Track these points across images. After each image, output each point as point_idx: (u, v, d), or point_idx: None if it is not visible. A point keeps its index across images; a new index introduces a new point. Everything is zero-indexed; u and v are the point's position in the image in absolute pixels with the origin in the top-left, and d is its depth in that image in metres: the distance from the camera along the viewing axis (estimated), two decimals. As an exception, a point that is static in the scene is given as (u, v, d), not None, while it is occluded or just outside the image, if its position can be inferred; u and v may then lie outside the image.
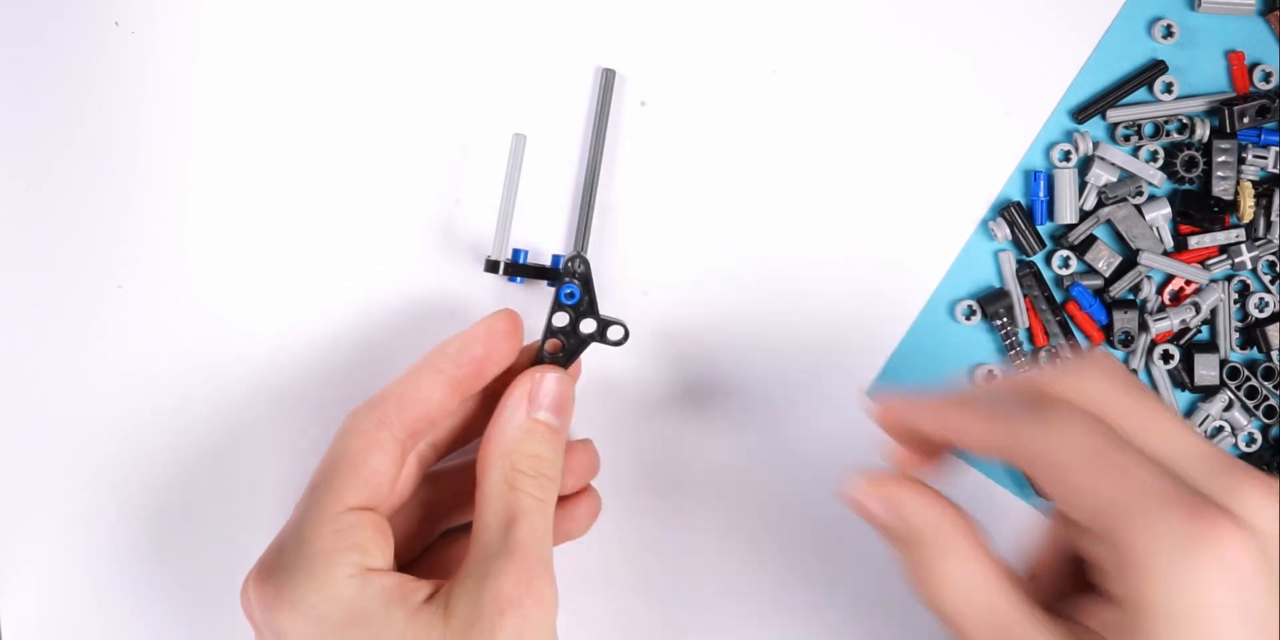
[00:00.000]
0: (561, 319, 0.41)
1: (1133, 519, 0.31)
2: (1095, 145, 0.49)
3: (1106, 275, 0.49)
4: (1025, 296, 0.49)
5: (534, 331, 0.46)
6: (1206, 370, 0.49)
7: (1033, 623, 0.33)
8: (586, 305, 0.41)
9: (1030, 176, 0.49)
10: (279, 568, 0.35)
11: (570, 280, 0.41)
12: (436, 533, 0.42)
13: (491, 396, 0.41)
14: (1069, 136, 0.49)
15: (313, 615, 0.34)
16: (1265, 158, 0.50)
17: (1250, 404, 0.50)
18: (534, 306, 0.46)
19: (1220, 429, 0.50)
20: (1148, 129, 0.49)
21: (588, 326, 0.41)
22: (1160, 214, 0.49)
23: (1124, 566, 0.31)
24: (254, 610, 0.36)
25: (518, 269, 0.44)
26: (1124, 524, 0.31)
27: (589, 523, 0.43)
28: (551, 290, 0.45)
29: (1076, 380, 0.34)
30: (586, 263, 0.41)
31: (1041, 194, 0.48)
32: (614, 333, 0.41)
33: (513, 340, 0.39)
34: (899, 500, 0.35)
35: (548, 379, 0.39)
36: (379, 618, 0.34)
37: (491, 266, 0.44)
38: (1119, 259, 0.49)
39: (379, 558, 0.36)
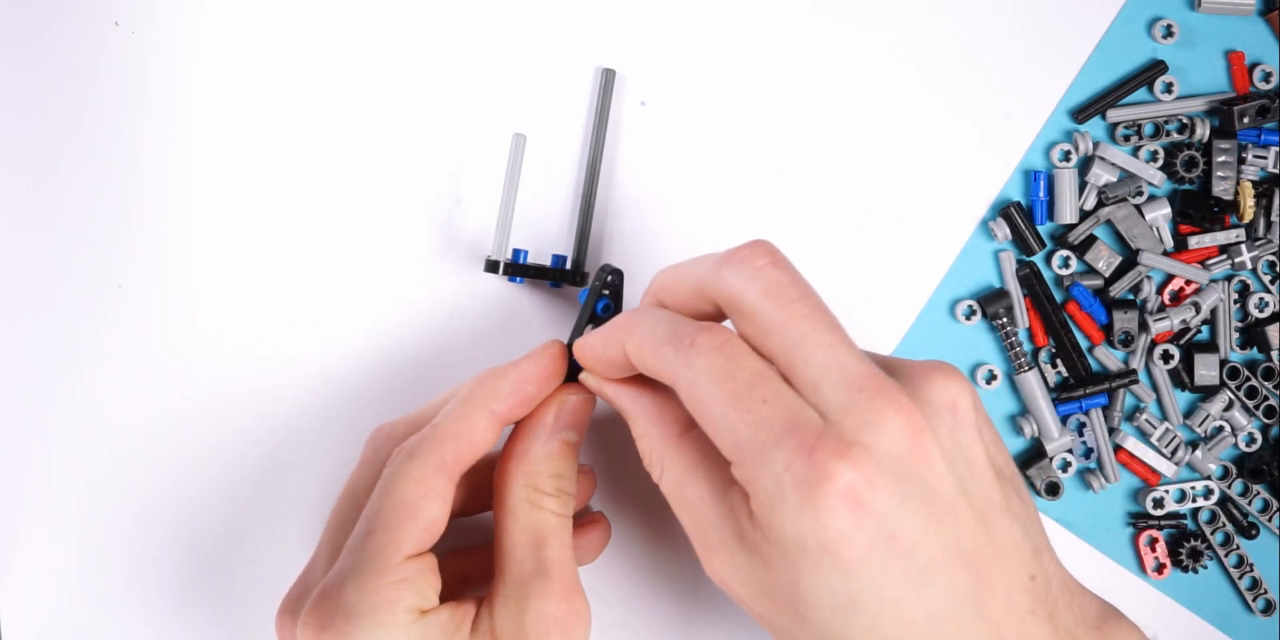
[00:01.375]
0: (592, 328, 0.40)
1: (755, 458, 0.32)
2: (1095, 145, 0.49)
3: (1106, 275, 0.49)
4: (1025, 296, 0.49)
5: (532, 331, 0.46)
6: (1206, 370, 0.49)
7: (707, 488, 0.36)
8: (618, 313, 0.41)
9: (1030, 176, 0.49)
10: (339, 614, 0.35)
11: (604, 294, 0.40)
12: None
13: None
14: (1069, 136, 0.49)
15: None
16: (1265, 158, 0.50)
17: (1250, 404, 0.50)
18: (534, 306, 0.46)
19: (1220, 429, 0.50)
20: (1148, 129, 0.49)
21: None
22: (1160, 214, 0.49)
23: (753, 499, 0.33)
24: None
25: (518, 269, 0.44)
26: (749, 461, 0.33)
27: (599, 550, 0.43)
28: (555, 291, 0.45)
29: (725, 286, 0.36)
30: (619, 274, 0.41)
31: (1041, 194, 0.48)
32: None
33: (561, 376, 0.39)
34: (602, 391, 0.39)
35: (573, 401, 0.39)
36: None
37: (491, 266, 0.44)
38: (1119, 259, 0.49)
39: (431, 596, 0.37)
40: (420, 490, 0.37)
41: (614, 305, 0.41)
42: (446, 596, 0.41)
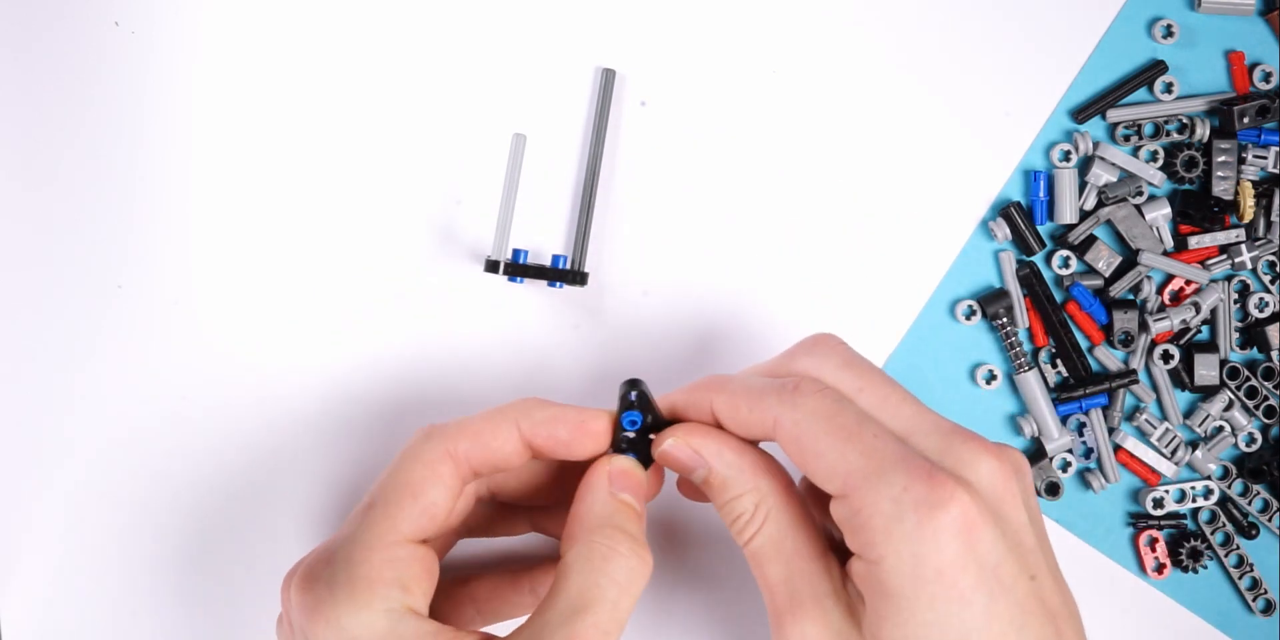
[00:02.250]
0: (629, 435, 0.39)
1: (872, 483, 0.33)
2: (1095, 145, 0.49)
3: (1106, 275, 0.49)
4: (1025, 296, 0.49)
5: (532, 331, 0.46)
6: (1206, 370, 0.49)
7: (814, 574, 0.36)
8: (651, 423, 0.39)
9: (1030, 176, 0.49)
10: (323, 581, 0.35)
11: (631, 408, 0.39)
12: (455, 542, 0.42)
13: (566, 467, 0.41)
14: (1069, 136, 0.49)
15: (345, 636, 0.34)
16: (1265, 158, 0.50)
17: (1250, 404, 0.50)
18: (534, 306, 0.46)
19: (1220, 429, 0.50)
20: (1148, 129, 0.49)
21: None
22: (1160, 214, 0.49)
23: (864, 529, 0.33)
24: (292, 609, 0.36)
25: (518, 269, 0.44)
26: (864, 488, 0.33)
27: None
28: (555, 291, 0.45)
29: (804, 361, 0.37)
30: (637, 383, 0.39)
31: (1041, 194, 0.48)
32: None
33: (599, 443, 0.38)
34: (701, 445, 0.38)
35: (621, 461, 0.38)
36: None
37: (491, 266, 0.44)
38: (1119, 259, 0.49)
39: (420, 599, 0.36)
40: (425, 472, 0.37)
41: (644, 417, 0.39)
42: (450, 612, 0.41)
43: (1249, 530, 0.50)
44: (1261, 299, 0.50)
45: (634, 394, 0.38)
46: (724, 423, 0.37)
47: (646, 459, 0.39)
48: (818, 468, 0.35)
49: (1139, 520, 0.50)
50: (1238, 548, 0.50)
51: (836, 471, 0.34)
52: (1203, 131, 0.49)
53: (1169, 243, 0.49)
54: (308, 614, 0.35)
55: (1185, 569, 0.49)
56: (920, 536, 0.32)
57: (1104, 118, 0.49)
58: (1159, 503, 0.49)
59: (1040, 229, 0.49)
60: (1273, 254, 0.50)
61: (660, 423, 0.39)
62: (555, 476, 0.41)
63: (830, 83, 0.48)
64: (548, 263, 0.45)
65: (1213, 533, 0.50)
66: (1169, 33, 0.49)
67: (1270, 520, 0.50)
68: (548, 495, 0.41)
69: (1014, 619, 0.33)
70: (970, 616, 0.33)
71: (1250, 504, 0.50)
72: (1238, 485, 0.51)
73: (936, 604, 0.33)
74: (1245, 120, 0.49)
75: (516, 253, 0.45)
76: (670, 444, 0.38)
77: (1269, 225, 0.50)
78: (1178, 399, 0.50)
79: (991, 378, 0.48)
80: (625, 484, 0.38)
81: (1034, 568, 0.34)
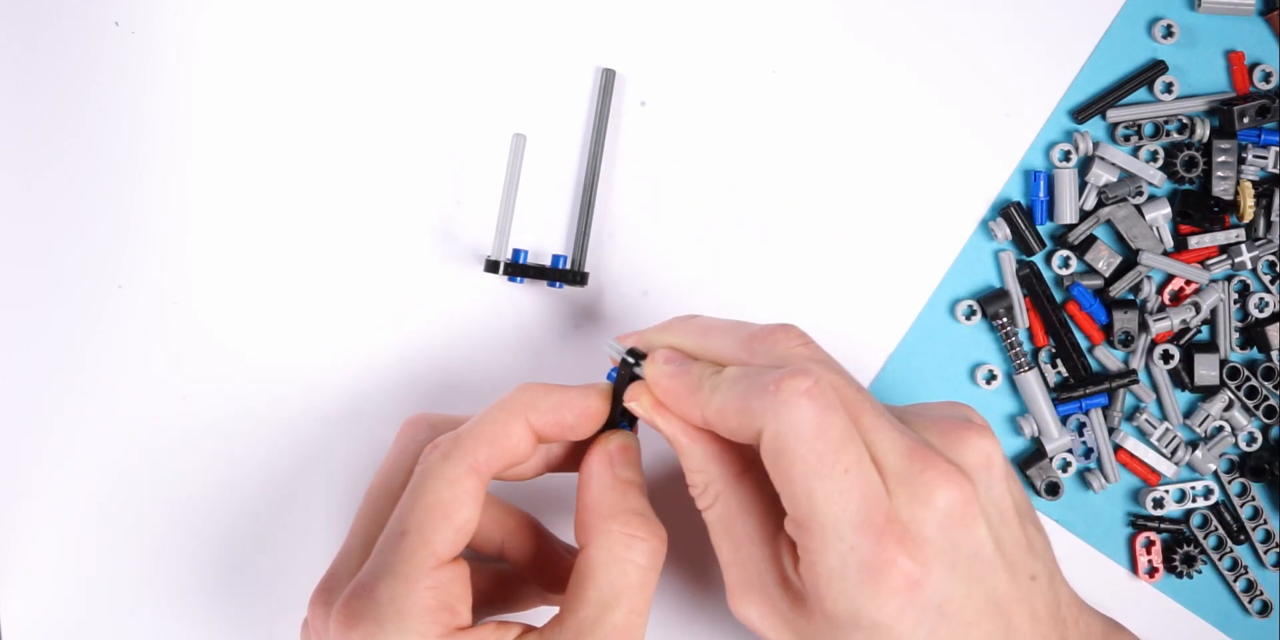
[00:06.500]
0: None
1: (825, 534, 0.33)
2: (1095, 145, 0.49)
3: (1106, 275, 0.49)
4: (1025, 296, 0.49)
5: (532, 331, 0.46)
6: (1206, 370, 0.49)
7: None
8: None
9: (1030, 176, 0.49)
10: (368, 617, 0.35)
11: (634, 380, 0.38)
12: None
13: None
14: (1069, 136, 0.49)
15: None
16: (1265, 158, 0.50)
17: (1250, 404, 0.50)
18: (534, 306, 0.46)
19: (1220, 429, 0.50)
20: (1148, 129, 0.49)
21: None
22: (1160, 214, 0.49)
23: (809, 567, 0.34)
24: None
25: (518, 269, 0.44)
26: (817, 534, 0.33)
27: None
28: (555, 291, 0.45)
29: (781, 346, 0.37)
30: (640, 363, 0.38)
31: (1041, 194, 0.48)
32: None
33: (600, 422, 0.39)
34: (654, 421, 0.38)
35: (618, 441, 0.39)
36: None
37: (491, 266, 0.44)
38: (1119, 259, 0.49)
39: (466, 615, 0.36)
40: (453, 492, 0.36)
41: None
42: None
43: (1238, 535, 0.50)
44: (1261, 299, 0.50)
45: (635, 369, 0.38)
46: (713, 427, 0.37)
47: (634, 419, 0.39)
48: (783, 489, 0.34)
49: (1139, 520, 0.50)
50: (1231, 551, 0.50)
51: (800, 502, 0.34)
52: (1203, 131, 0.49)
53: (1169, 243, 0.49)
54: None
55: (1180, 575, 0.49)
56: (860, 594, 0.33)
57: (1104, 118, 0.49)
58: (1159, 503, 0.49)
59: (1040, 229, 0.49)
60: (1273, 254, 0.50)
61: None
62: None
63: (830, 83, 0.48)
64: (548, 263, 0.45)
65: (1205, 536, 0.50)
66: (1169, 33, 0.49)
67: (1255, 531, 0.50)
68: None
69: (955, 637, 0.34)
70: None
71: (1242, 509, 0.50)
72: (1236, 485, 0.51)
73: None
74: (1245, 120, 0.49)
75: (516, 253, 0.45)
76: (635, 408, 0.38)
77: (1269, 225, 0.50)
78: (1178, 399, 0.50)
79: (991, 378, 0.48)
80: (627, 460, 0.38)
81: (990, 569, 0.35)
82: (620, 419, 0.39)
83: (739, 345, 0.37)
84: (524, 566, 0.41)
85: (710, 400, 0.36)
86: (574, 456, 0.40)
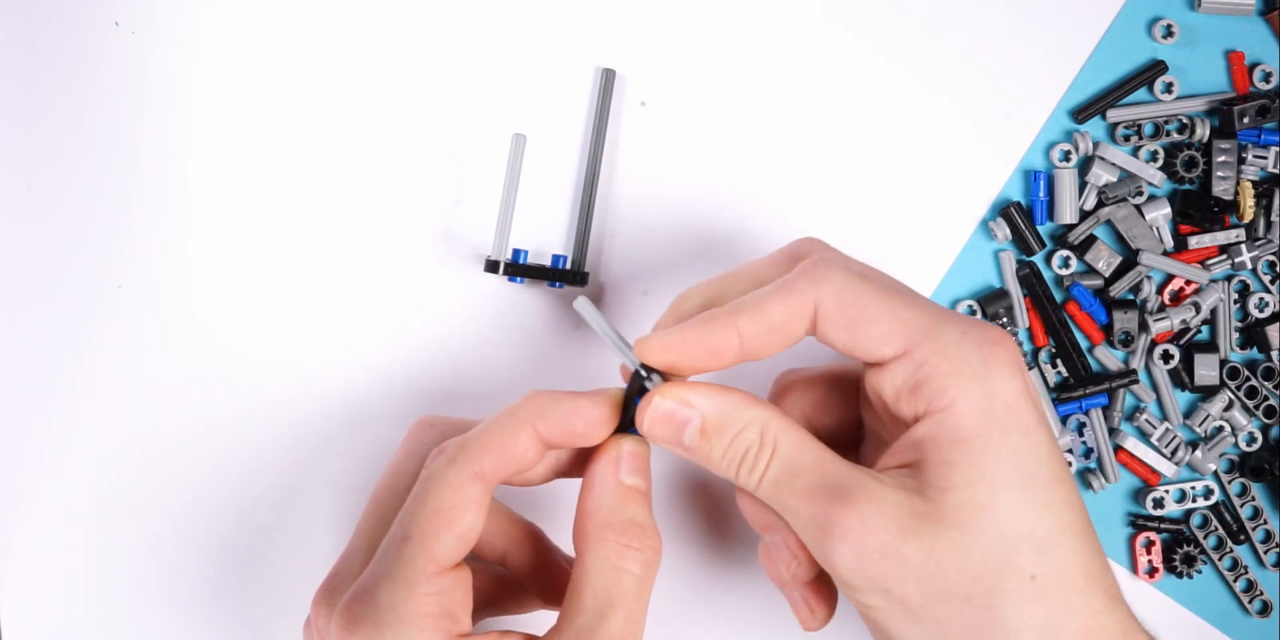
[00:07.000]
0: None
1: (935, 333, 0.35)
2: (1095, 145, 0.49)
3: (1106, 275, 0.49)
4: (1025, 296, 0.49)
5: (532, 331, 0.46)
6: (1206, 370, 0.49)
7: (855, 471, 0.36)
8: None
9: (1030, 176, 0.49)
10: (368, 622, 0.35)
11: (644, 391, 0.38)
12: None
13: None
14: (1069, 136, 0.49)
15: None
16: (1265, 158, 0.50)
17: (1250, 404, 0.50)
18: (534, 306, 0.46)
19: (1220, 429, 0.50)
20: (1148, 129, 0.49)
21: None
22: (1160, 214, 0.49)
23: (931, 378, 0.35)
24: None
25: (518, 269, 0.44)
26: (928, 339, 0.35)
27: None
28: (555, 291, 0.45)
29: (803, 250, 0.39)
30: (653, 377, 0.38)
31: (1041, 194, 0.48)
32: None
33: (608, 430, 0.38)
34: (688, 394, 0.37)
35: (629, 445, 0.38)
36: None
37: (491, 266, 0.44)
38: (1119, 259, 0.49)
39: (466, 621, 0.36)
40: (457, 498, 0.36)
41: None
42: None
43: (1238, 536, 0.50)
44: (1261, 299, 0.50)
45: (650, 380, 0.37)
46: (755, 336, 0.36)
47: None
48: (872, 334, 0.35)
49: (1139, 520, 0.50)
50: (1231, 551, 0.50)
51: (895, 331, 0.35)
52: (1203, 131, 0.49)
53: (1169, 243, 0.49)
54: None
55: (1180, 575, 0.49)
56: (988, 371, 0.34)
57: (1104, 118, 0.49)
58: (1159, 503, 0.49)
59: (1040, 229, 0.49)
60: (1273, 254, 0.50)
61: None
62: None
63: (830, 83, 0.48)
64: (548, 263, 0.45)
65: (1205, 536, 0.50)
66: (1169, 33, 0.49)
67: (1255, 531, 0.50)
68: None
69: (1059, 454, 0.35)
70: (1038, 447, 0.35)
71: (1242, 509, 0.50)
72: (1236, 486, 0.51)
73: (1010, 436, 0.34)
74: (1245, 120, 0.49)
75: (516, 253, 0.45)
76: (658, 400, 0.37)
77: (1269, 225, 0.50)
78: (1178, 399, 0.50)
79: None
80: (635, 466, 0.38)
81: (1055, 456, 0.36)
82: (630, 424, 0.38)
83: (752, 278, 0.39)
84: (524, 576, 0.41)
85: (740, 311, 0.36)
86: (582, 462, 0.39)
